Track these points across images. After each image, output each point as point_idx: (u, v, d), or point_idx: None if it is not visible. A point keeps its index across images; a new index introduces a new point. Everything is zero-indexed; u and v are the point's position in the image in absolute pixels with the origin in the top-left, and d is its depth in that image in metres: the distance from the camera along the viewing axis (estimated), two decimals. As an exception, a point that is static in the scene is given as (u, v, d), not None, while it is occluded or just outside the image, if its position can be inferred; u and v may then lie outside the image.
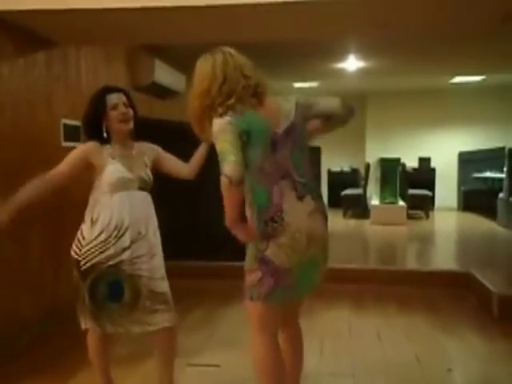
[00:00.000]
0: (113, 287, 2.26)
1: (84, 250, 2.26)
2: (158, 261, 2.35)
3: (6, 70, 3.27)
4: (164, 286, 2.34)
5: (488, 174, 10.04)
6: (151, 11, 2.96)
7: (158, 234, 2.39)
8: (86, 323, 2.34)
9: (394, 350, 3.27)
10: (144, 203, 2.35)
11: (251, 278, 1.94)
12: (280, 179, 1.92)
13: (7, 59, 3.29)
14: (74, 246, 2.31)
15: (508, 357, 3.18)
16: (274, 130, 1.95)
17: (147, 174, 2.38)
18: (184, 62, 6.23)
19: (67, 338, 3.47)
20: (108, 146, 2.33)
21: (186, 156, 2.50)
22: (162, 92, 5.81)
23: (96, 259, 2.24)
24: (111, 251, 2.24)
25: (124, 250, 2.25)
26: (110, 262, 2.24)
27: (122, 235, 2.25)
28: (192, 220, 5.19)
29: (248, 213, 1.97)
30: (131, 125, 2.35)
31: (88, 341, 2.44)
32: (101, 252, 2.24)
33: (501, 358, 3.18)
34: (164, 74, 5.60)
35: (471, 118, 10.86)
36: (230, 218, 1.84)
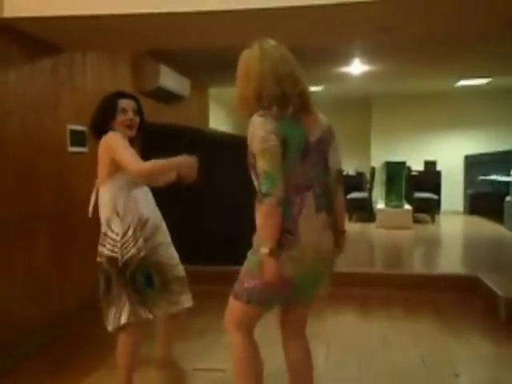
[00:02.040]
0: (147, 276, 2.44)
1: (119, 246, 2.37)
2: (173, 248, 2.62)
3: (13, 75, 3.30)
4: (182, 271, 2.64)
5: (494, 177, 9.98)
6: (157, 17, 2.98)
7: (164, 224, 2.63)
8: (127, 317, 2.36)
9: (401, 354, 3.26)
10: (151, 198, 2.58)
11: (251, 283, 1.91)
12: (304, 190, 1.88)
13: (14, 65, 3.32)
14: (107, 246, 2.39)
15: (515, 361, 3.16)
16: (309, 137, 1.90)
17: None
18: (189, 67, 6.27)
19: (74, 342, 3.49)
20: None
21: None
22: (167, 97, 5.83)
23: (130, 253, 2.38)
24: (140, 243, 2.40)
25: (147, 240, 2.43)
26: (141, 254, 2.40)
27: (144, 227, 2.43)
28: (200, 224, 5.19)
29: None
30: (134, 132, 2.49)
31: (122, 341, 2.45)
32: (133, 245, 2.38)
33: (508, 362, 3.16)
34: (169, 79, 5.62)
35: (477, 120, 10.83)
36: (271, 243, 1.79)
